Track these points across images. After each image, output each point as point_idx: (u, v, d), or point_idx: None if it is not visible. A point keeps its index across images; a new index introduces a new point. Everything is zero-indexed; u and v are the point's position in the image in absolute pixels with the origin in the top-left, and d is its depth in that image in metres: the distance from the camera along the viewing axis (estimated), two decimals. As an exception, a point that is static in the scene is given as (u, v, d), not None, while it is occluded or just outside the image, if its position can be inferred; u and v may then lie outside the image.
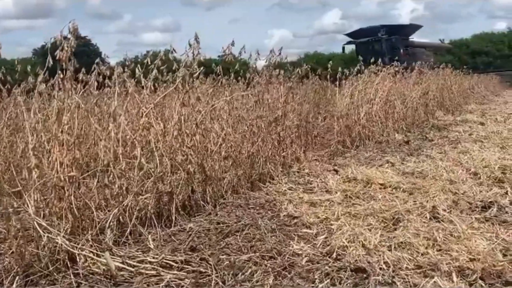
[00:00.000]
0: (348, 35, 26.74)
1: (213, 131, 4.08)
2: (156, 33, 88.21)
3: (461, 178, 4.37)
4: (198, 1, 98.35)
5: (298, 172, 5.00)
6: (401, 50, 22.44)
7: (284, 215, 3.47)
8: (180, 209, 3.46)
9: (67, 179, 2.72)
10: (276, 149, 5.02)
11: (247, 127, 4.54)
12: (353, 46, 26.24)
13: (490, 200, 3.61)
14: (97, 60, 3.56)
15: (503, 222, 3.19)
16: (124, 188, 3.06)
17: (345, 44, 26.30)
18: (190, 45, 3.62)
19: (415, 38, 26.26)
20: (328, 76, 7.62)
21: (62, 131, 2.96)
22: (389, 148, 6.49)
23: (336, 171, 4.96)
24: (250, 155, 4.44)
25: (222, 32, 71.12)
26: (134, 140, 3.27)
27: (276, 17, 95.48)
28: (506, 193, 3.85)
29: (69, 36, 3.01)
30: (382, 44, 23.98)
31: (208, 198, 3.75)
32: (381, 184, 4.27)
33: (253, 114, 4.72)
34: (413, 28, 27.00)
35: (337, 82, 7.28)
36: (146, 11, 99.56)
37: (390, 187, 4.19)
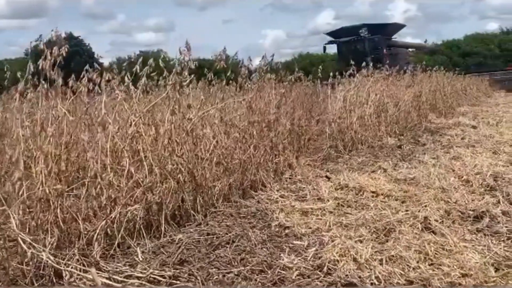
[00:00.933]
0: (330, 34, 24.91)
1: (204, 137, 4.03)
2: (150, 33, 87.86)
3: (453, 185, 4.36)
4: (192, 1, 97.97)
5: (290, 178, 4.96)
6: (384, 50, 21.84)
7: (275, 225, 3.43)
8: (169, 219, 3.41)
9: (52, 192, 2.66)
10: (269, 155, 4.97)
11: (239, 133, 4.49)
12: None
13: (482, 209, 3.58)
14: (86, 67, 3.50)
15: (495, 233, 3.17)
16: (112, 199, 3.01)
17: (326, 44, 24.50)
18: (180, 52, 3.57)
19: (408, 38, 25.77)
20: (318, 81, 7.56)
21: (50, 141, 2.91)
22: (381, 153, 6.47)
23: (328, 178, 4.93)
24: (241, 162, 4.39)
25: (216, 32, 71.03)
26: (123, 149, 3.21)
27: (270, 17, 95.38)
28: (498, 202, 3.83)
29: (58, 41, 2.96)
30: (365, 44, 22.54)
31: (198, 207, 3.69)
32: (373, 192, 4.24)
33: (245, 120, 4.67)
34: (396, 27, 25.68)
35: (328, 84, 7.25)
36: (139, 11, 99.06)
37: (382, 195, 4.16)
